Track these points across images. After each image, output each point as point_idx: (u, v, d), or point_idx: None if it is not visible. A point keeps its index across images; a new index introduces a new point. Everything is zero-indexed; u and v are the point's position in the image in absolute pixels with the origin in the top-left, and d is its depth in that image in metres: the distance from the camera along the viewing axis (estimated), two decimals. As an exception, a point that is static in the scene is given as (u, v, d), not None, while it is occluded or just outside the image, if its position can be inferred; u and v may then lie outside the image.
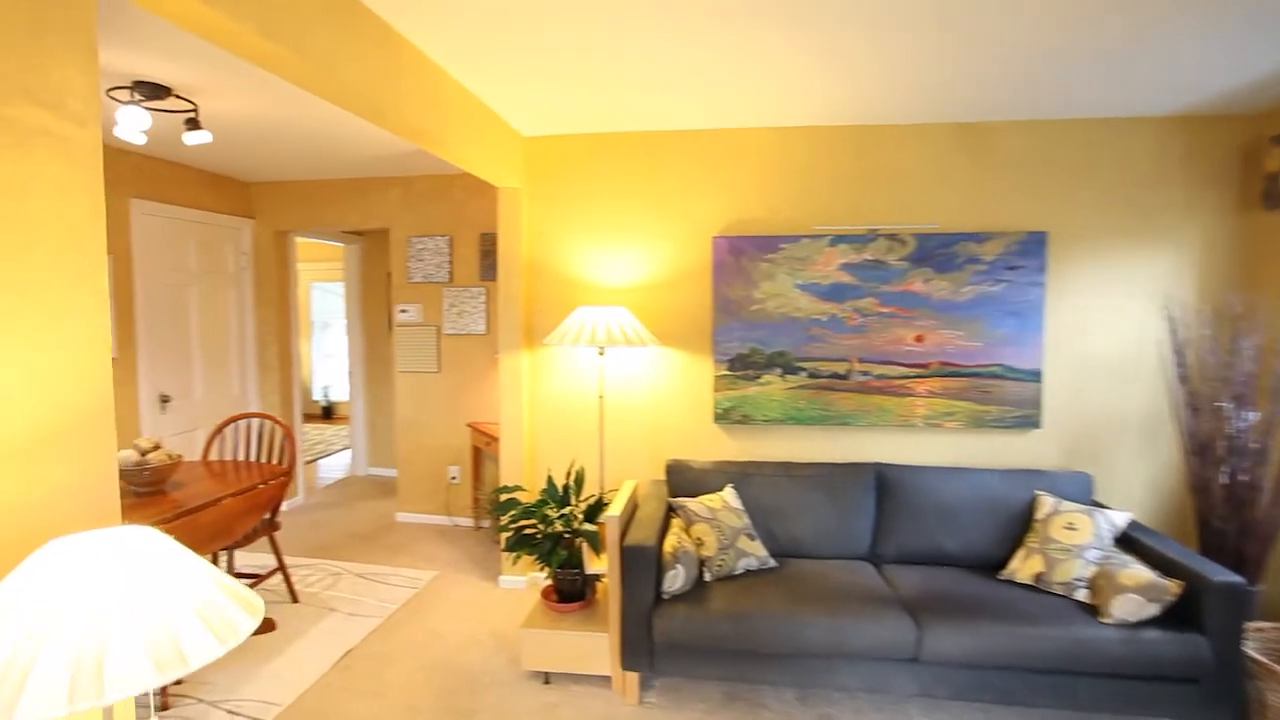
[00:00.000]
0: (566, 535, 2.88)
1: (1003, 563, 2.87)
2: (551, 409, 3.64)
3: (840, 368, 3.34)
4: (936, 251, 3.23)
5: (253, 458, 3.50)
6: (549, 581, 3.00)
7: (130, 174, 3.95)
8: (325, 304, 9.02)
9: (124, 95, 2.81)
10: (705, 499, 2.97)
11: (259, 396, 4.93)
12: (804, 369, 3.37)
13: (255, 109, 3.10)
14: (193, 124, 2.96)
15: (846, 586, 2.68)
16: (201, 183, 4.44)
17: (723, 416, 3.44)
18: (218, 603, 1.12)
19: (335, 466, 6.45)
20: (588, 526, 2.80)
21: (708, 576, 2.75)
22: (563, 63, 2.55)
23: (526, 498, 3.56)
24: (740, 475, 3.17)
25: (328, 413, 8.94)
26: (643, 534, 2.67)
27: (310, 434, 7.84)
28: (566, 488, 3.02)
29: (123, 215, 3.89)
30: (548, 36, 2.32)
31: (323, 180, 4.76)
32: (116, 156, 3.86)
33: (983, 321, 3.22)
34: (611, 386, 3.57)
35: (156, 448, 2.91)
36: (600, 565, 2.84)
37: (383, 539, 4.44)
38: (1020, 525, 2.89)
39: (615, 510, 2.71)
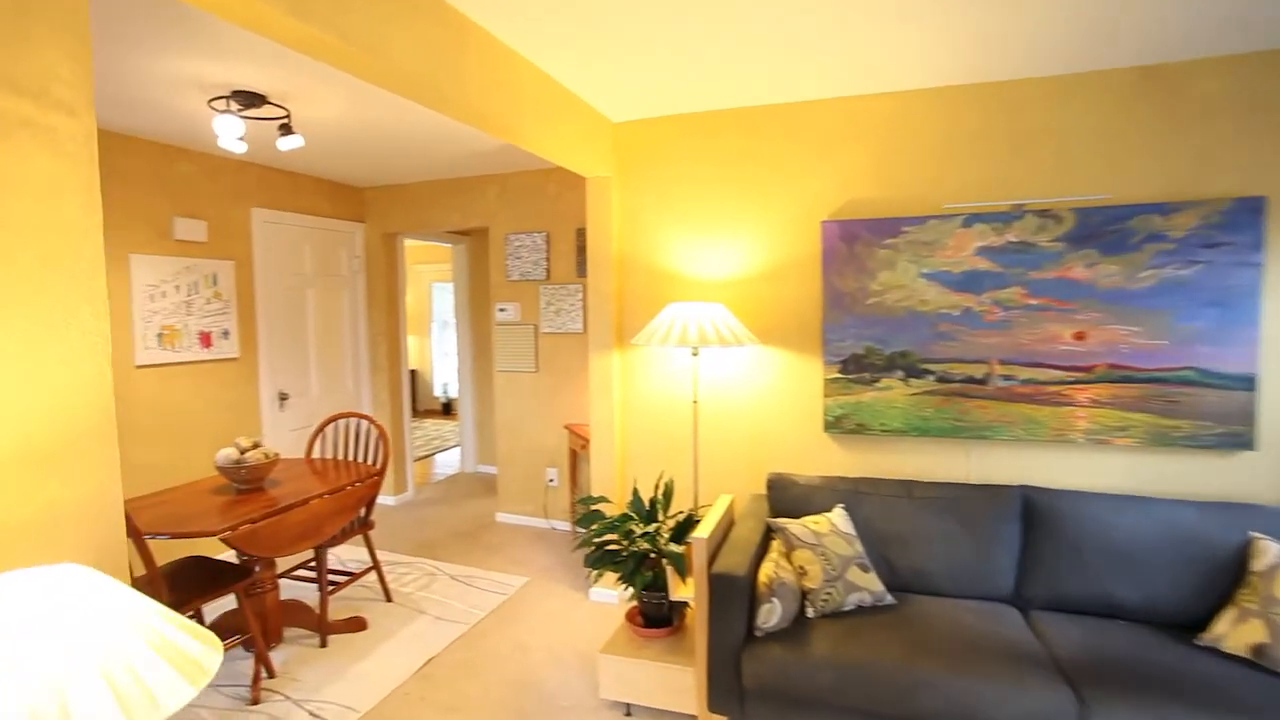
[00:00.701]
0: (651, 555, 2.62)
1: (1201, 623, 2.26)
2: (643, 414, 3.40)
3: (976, 370, 2.82)
4: (1104, 229, 2.63)
5: (352, 457, 3.55)
6: (633, 604, 2.75)
7: (253, 185, 4.15)
8: (445, 303, 9.37)
9: (222, 105, 2.89)
10: (810, 521, 2.59)
11: (370, 395, 5.09)
12: (931, 372, 2.88)
13: (343, 112, 3.09)
14: (286, 129, 2.99)
15: (982, 637, 2.21)
16: (318, 190, 4.62)
17: (833, 425, 3.03)
18: (177, 642, 0.96)
19: (448, 462, 6.61)
20: (673, 548, 2.52)
21: (810, 612, 2.38)
22: (655, 31, 2.28)
23: (616, 510, 3.35)
24: (852, 494, 2.75)
25: (446, 409, 9.29)
26: (734, 560, 2.35)
27: (429, 429, 8.16)
28: (654, 502, 2.75)
29: (245, 223, 4.10)
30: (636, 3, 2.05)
31: (426, 182, 4.81)
32: (241, 169, 4.07)
33: (1169, 314, 2.58)
34: (707, 390, 3.26)
35: (255, 446, 2.98)
36: (687, 592, 2.55)
37: (481, 539, 4.42)
38: (1227, 576, 2.26)
39: (704, 531, 2.41)
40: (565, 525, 4.59)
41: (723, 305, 3.02)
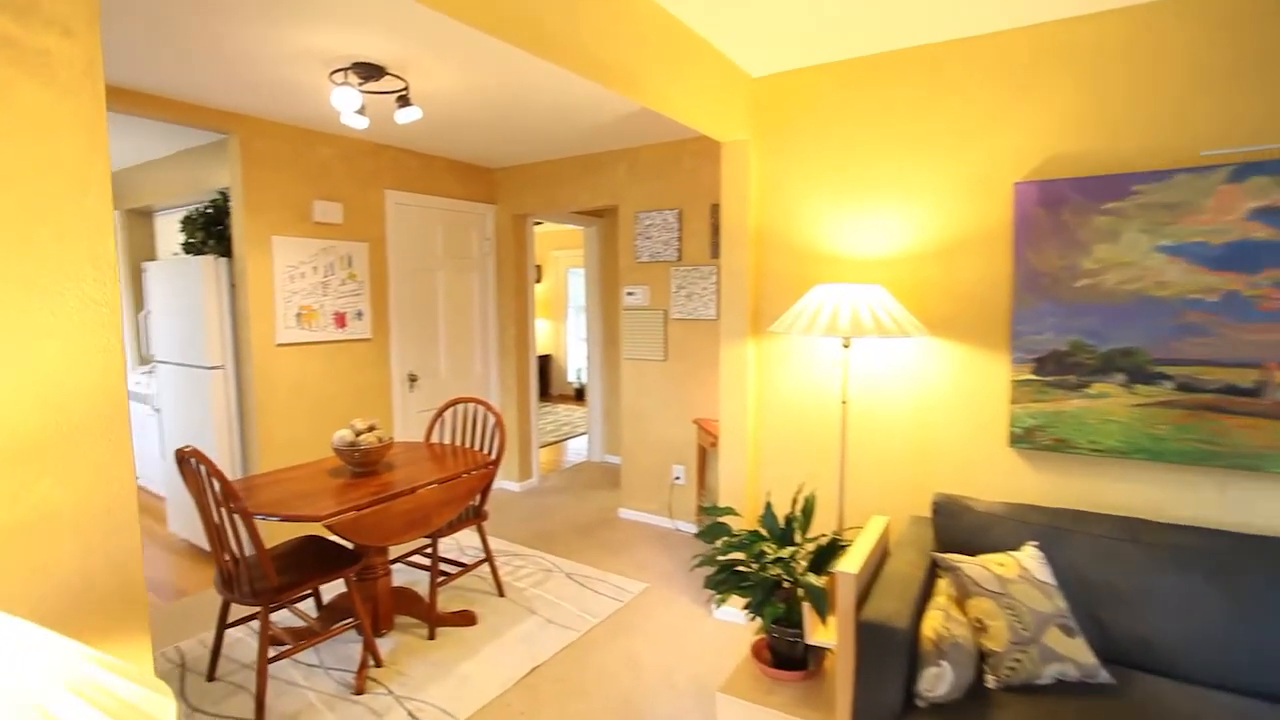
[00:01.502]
0: (785, 584, 2.19)
1: None
2: (780, 412, 2.95)
3: (1241, 377, 2.09)
4: None
5: (470, 442, 3.43)
6: (761, 635, 2.34)
7: (387, 167, 4.17)
8: (580, 289, 9.35)
9: (341, 79, 2.81)
10: (992, 560, 2.04)
11: (498, 379, 5.04)
12: (1168, 376, 2.18)
13: (460, 82, 2.91)
14: (404, 101, 2.86)
15: (1259, 755, 1.56)
16: (449, 171, 4.59)
17: (1023, 439, 2.41)
18: (114, 690, 0.70)
19: (578, 450, 6.51)
20: (812, 579, 2.08)
21: (991, 682, 1.84)
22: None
23: (745, 524, 2.94)
24: (1050, 530, 2.14)
25: (579, 395, 9.28)
26: (891, 605, 1.86)
27: (560, 415, 8.16)
28: (790, 520, 2.32)
29: (379, 205, 4.13)
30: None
31: (554, 160, 4.63)
32: (376, 152, 4.10)
33: None
34: (858, 388, 2.75)
35: (371, 428, 2.90)
36: (827, 636, 2.09)
37: (601, 535, 4.19)
38: None
39: (852, 564, 1.94)
40: (690, 528, 4.24)
41: (882, 287, 2.50)
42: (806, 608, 2.06)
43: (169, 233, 4.82)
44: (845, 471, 2.70)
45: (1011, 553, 2.08)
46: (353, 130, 3.78)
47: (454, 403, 3.48)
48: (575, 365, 9.44)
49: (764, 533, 2.34)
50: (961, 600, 1.98)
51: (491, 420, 3.94)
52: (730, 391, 3.01)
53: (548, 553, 3.89)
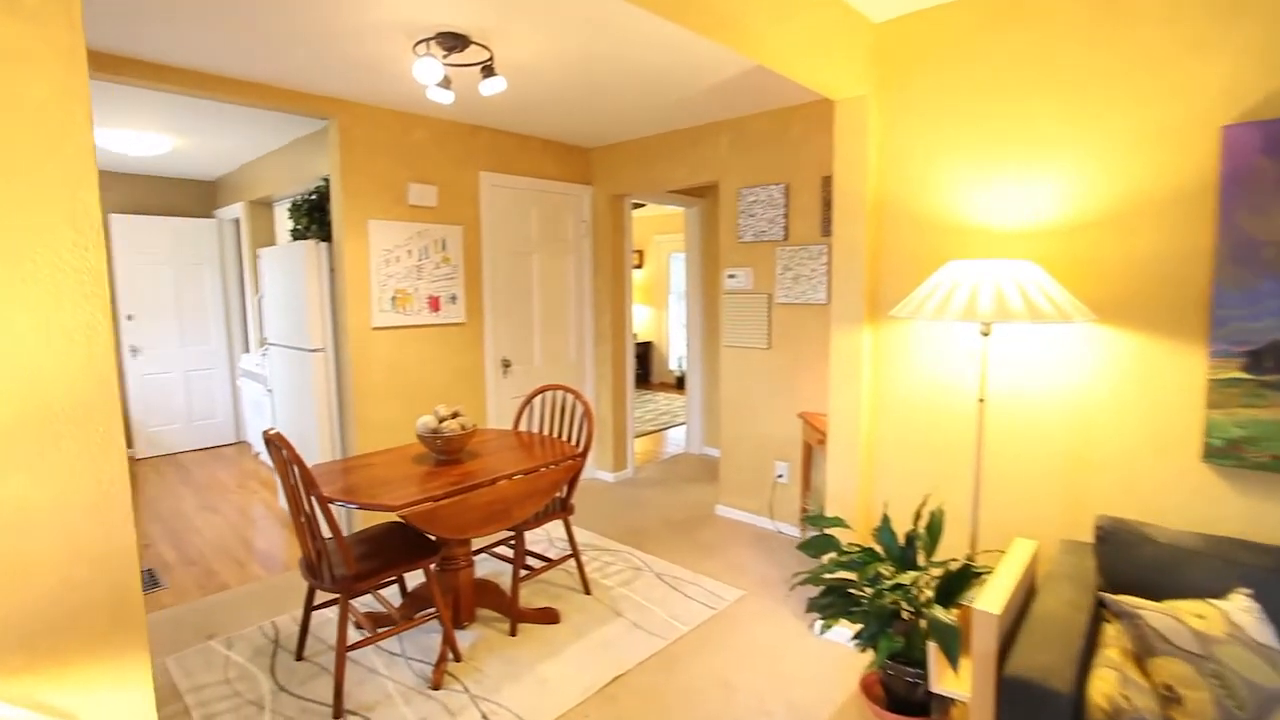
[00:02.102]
0: (906, 615, 1.84)
1: None
2: (900, 410, 2.56)
3: None
4: None
5: (558, 432, 3.29)
6: (873, 670, 2.01)
7: (482, 149, 4.10)
8: (682, 275, 9.08)
9: (424, 50, 2.69)
10: (1186, 609, 1.59)
11: (593, 365, 4.89)
12: None
13: (547, 50, 2.72)
14: (488, 71, 2.71)
15: None
16: (544, 152, 4.46)
17: (1225, 453, 1.90)
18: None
19: (676, 440, 6.29)
20: (940, 614, 1.72)
21: (1186, 770, 1.42)
22: None
23: (855, 537, 2.58)
24: (1272, 576, 1.65)
25: (681, 383, 9.05)
26: (1046, 656, 1.48)
27: (660, 403, 7.97)
28: (912, 538, 1.96)
29: (473, 188, 4.07)
30: None
31: (652, 136, 4.37)
32: (471, 134, 4.02)
33: None
34: (999, 384, 2.31)
35: (455, 415, 2.81)
36: (958, 685, 1.73)
37: (696, 533, 3.93)
38: None
39: (993, 601, 1.58)
40: (793, 531, 3.90)
41: (1034, 264, 2.06)
42: (932, 647, 1.71)
43: (286, 221, 5.04)
44: (980, 483, 2.28)
45: (1214, 601, 1.62)
46: (448, 111, 3.72)
47: (542, 390, 3.34)
48: (676, 353, 9.21)
49: (879, 550, 2.00)
50: (1141, 658, 1.55)
51: (580, 409, 3.78)
52: (841, 384, 2.65)
53: (638, 549, 3.70)
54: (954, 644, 1.64)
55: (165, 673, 2.57)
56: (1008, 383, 2.29)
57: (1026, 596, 1.83)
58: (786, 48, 2.14)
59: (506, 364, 4.32)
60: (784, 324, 3.84)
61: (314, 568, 2.35)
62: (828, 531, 2.05)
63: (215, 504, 4.54)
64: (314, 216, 3.74)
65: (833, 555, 1.95)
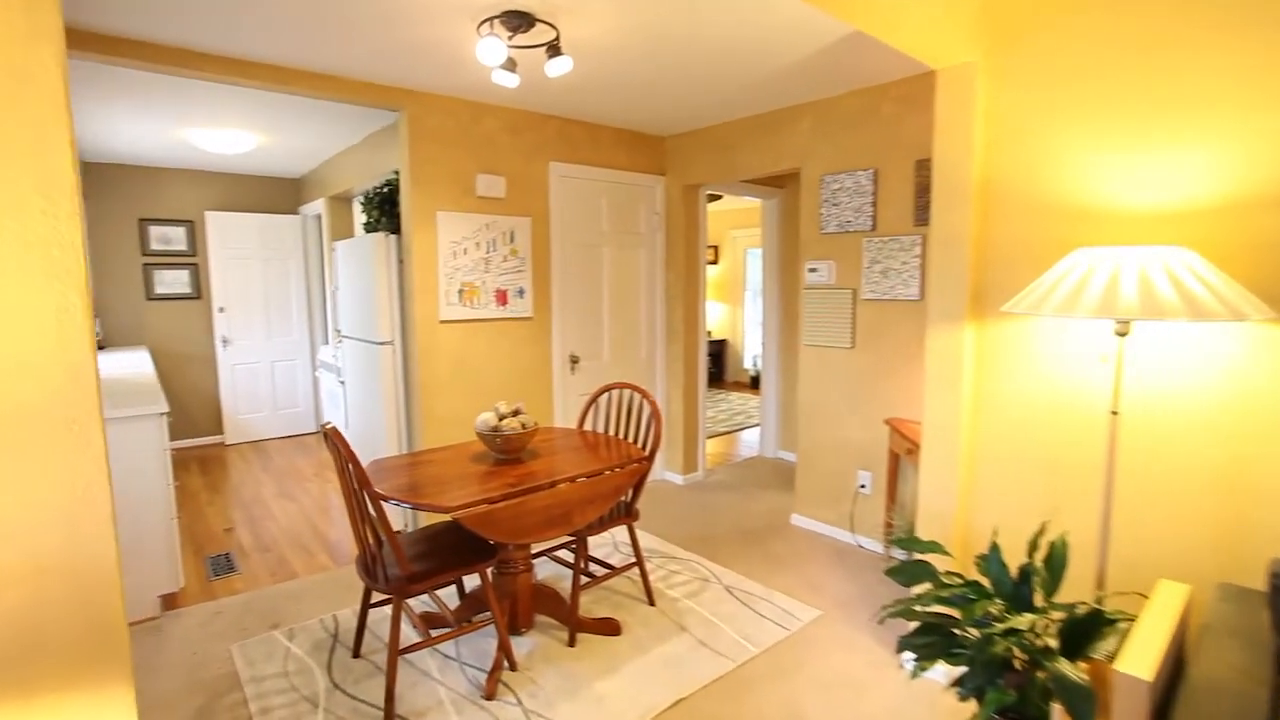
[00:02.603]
0: (1020, 663, 1.56)
1: None
2: (1010, 421, 2.24)
3: None
4: None
5: (625, 433, 3.12)
6: (977, 724, 1.73)
7: (552, 138, 3.98)
8: (759, 271, 8.76)
9: (488, 29, 2.57)
10: (1400, 687, 1.24)
11: (664, 363, 4.71)
12: None
13: (619, 24, 2.54)
14: (554, 50, 2.56)
15: None
16: (616, 141, 4.31)
17: None
18: None
19: (750, 442, 6.02)
20: (1066, 669, 1.43)
21: None
22: None
23: (953, 565, 2.29)
24: None
25: (755, 383, 8.74)
26: (1210, 738, 1.18)
27: (734, 403, 7.70)
28: (1027, 572, 1.67)
29: (542, 178, 3.96)
30: None
31: (728, 122, 4.14)
32: (541, 123, 3.92)
33: None
34: (1136, 393, 1.96)
35: (515, 413, 2.69)
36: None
37: (769, 544, 3.68)
38: None
39: (1144, 664, 1.28)
40: (875, 546, 3.59)
41: (1188, 249, 1.72)
42: (1057, 710, 1.43)
43: (360, 215, 5.11)
44: (1111, 510, 1.94)
45: None
46: (517, 100, 3.62)
47: (608, 388, 3.18)
48: (751, 351, 8.91)
49: (985, 584, 1.71)
50: (1344, 747, 1.22)
51: (648, 409, 3.60)
52: (938, 389, 2.36)
53: (707, 559, 3.49)
54: (1088, 710, 1.35)
55: (230, 660, 2.57)
56: (1148, 392, 1.94)
57: (1178, 653, 1.51)
58: (884, 7, 1.88)
59: (574, 360, 4.20)
60: (870, 321, 3.53)
61: (369, 566, 2.28)
62: (922, 558, 1.78)
63: (292, 491, 4.65)
64: (384, 209, 3.73)
65: (929, 587, 1.68)
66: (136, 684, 2.44)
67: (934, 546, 1.82)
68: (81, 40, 2.61)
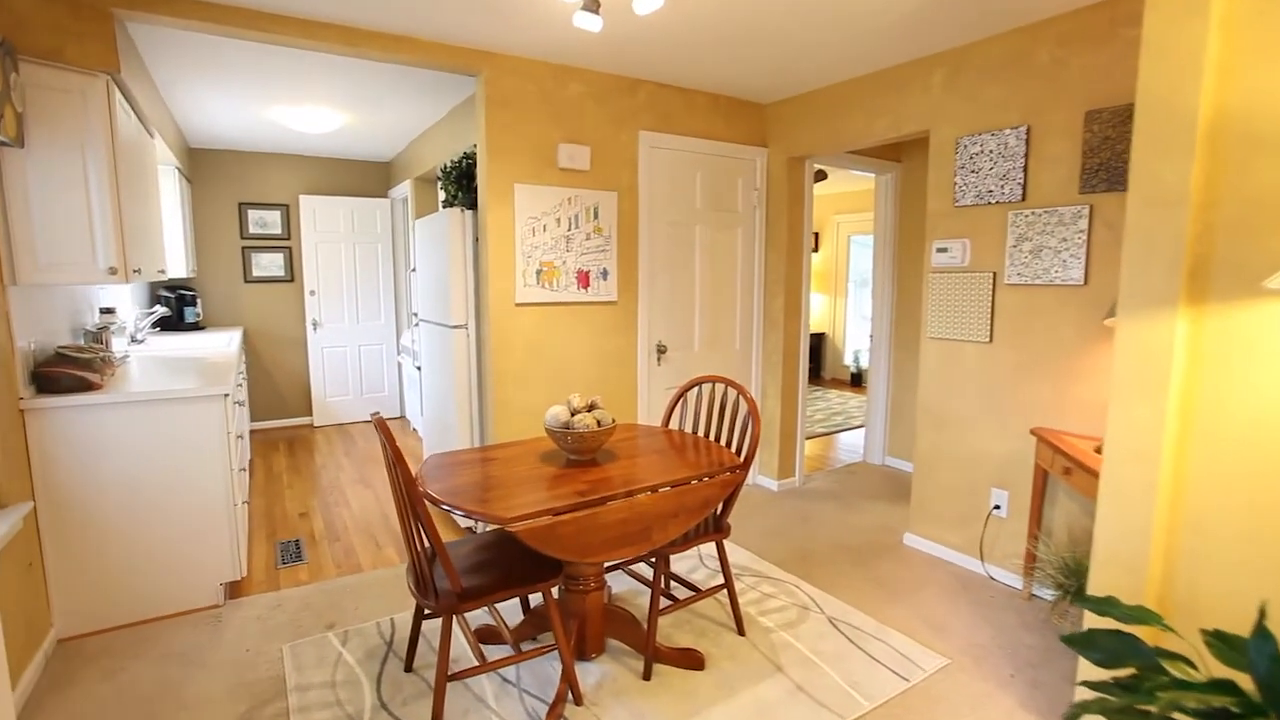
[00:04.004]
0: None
1: None
2: (1249, 445, 1.65)
3: None
4: None
5: (716, 433, 2.72)
6: None
7: (643, 104, 3.61)
8: (863, 260, 8.07)
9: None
10: None
11: (760, 355, 4.25)
12: None
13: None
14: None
15: None
16: (713, 109, 3.88)
17: None
18: None
19: (851, 446, 5.45)
20: None
21: None
22: None
23: (1151, 637, 1.72)
24: None
25: (856, 380, 8.06)
26: None
27: (832, 402, 7.09)
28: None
29: (631, 149, 3.59)
30: None
31: (841, 83, 3.61)
32: (631, 89, 3.55)
33: None
34: None
35: (590, 407, 2.34)
36: None
37: (879, 567, 3.17)
38: None
39: None
40: (1012, 579, 3.00)
41: None
42: None
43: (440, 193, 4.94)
44: None
45: None
46: (604, 62, 3.26)
47: (698, 382, 2.78)
48: (853, 346, 8.23)
49: (1242, 683, 1.19)
50: None
51: (744, 408, 3.16)
52: (1129, 398, 1.80)
53: (806, 581, 3.03)
54: None
55: (279, 662, 2.38)
56: None
57: None
58: None
59: (661, 349, 3.82)
60: (1014, 311, 2.94)
61: (418, 577, 2.00)
62: (1126, 630, 1.28)
63: (369, 478, 4.55)
64: (462, 184, 3.48)
65: (1157, 684, 1.17)
66: (186, 677, 2.29)
67: (1144, 615, 1.31)
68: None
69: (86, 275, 2.52)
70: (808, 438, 5.66)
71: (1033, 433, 2.78)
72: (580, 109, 3.41)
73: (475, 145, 3.56)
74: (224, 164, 5.56)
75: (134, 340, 4.19)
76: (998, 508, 3.04)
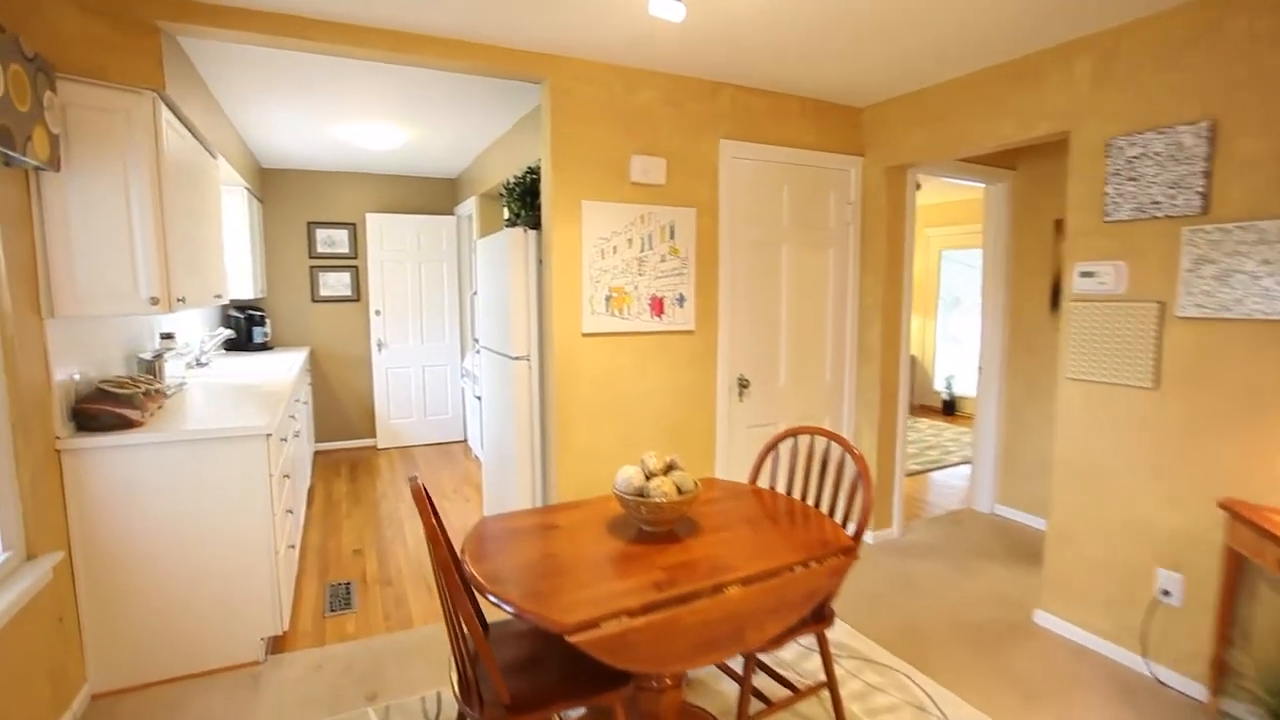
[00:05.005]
0: None
1: None
2: None
3: None
4: None
5: (815, 496, 2.29)
6: None
7: (725, 110, 3.23)
8: (956, 277, 7.39)
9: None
10: None
11: (853, 389, 3.76)
12: None
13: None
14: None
15: None
16: (803, 114, 3.45)
17: None
18: None
19: (950, 487, 4.86)
20: None
21: None
22: None
23: None
24: None
25: (949, 408, 7.37)
26: None
27: (922, 433, 6.46)
28: None
29: (710, 160, 3.21)
30: None
31: (954, 80, 3.12)
32: (711, 92, 3.18)
33: None
34: None
35: (669, 468, 1.96)
36: None
37: (1008, 654, 2.64)
38: None
39: None
40: (1189, 687, 2.41)
41: None
42: None
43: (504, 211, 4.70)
44: None
45: None
46: (682, 63, 2.90)
47: (793, 433, 2.36)
48: (945, 371, 7.54)
49: None
50: None
51: (850, 466, 2.69)
52: None
53: (917, 668, 2.53)
54: None
55: (313, 749, 2.10)
56: None
57: None
58: None
59: (743, 384, 3.41)
60: (1189, 350, 2.38)
61: (462, 675, 1.66)
62: None
63: (428, 511, 4.32)
64: (526, 200, 3.20)
65: None
66: (212, 764, 2.03)
67: None
68: (184, 10, 2.28)
69: (127, 306, 2.35)
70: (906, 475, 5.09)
71: (1223, 507, 2.20)
72: (654, 117, 3.06)
73: (540, 159, 3.27)
74: (294, 183, 5.52)
75: (198, 364, 4.10)
76: (1167, 593, 2.46)
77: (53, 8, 2.13)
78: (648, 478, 1.90)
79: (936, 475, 5.19)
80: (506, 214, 3.42)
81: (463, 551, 1.81)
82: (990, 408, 4.23)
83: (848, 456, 2.34)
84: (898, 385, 3.72)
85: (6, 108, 1.78)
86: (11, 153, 1.83)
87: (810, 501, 3.08)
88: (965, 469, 5.30)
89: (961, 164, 3.79)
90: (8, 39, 1.80)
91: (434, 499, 4.50)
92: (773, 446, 2.41)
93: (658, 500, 1.81)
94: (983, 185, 4.18)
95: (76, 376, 2.43)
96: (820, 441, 3.54)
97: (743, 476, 3.45)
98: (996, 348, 4.18)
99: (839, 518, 3.27)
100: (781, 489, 3.26)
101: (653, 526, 1.90)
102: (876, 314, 3.64)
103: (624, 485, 1.87)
